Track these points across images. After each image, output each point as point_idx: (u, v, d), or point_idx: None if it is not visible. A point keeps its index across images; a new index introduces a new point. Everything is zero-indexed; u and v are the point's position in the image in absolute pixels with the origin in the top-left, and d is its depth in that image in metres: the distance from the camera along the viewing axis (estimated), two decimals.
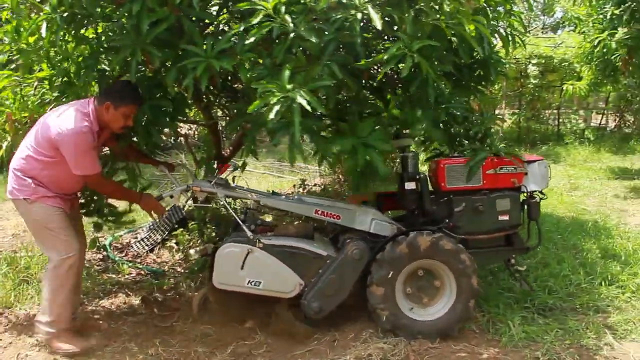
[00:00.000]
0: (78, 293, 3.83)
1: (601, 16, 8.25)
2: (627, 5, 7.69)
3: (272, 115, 2.79)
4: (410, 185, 3.75)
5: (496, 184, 3.76)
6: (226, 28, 3.72)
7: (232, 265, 3.47)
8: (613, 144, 12.57)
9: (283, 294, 3.55)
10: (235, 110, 4.09)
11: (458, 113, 3.94)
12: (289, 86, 2.86)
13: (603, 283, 4.40)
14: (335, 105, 3.48)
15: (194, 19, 3.32)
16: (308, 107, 2.78)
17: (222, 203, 3.74)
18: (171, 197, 3.68)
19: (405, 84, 3.52)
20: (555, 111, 15.21)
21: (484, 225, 3.75)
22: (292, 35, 2.97)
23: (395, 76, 3.89)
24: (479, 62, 4.00)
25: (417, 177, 3.78)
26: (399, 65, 3.03)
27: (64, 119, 3.24)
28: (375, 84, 4.03)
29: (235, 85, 4.13)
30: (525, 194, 3.87)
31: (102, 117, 3.35)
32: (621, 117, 15.18)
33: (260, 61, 3.20)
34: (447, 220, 3.70)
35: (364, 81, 3.79)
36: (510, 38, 3.84)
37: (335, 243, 3.88)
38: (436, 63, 3.36)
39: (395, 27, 3.36)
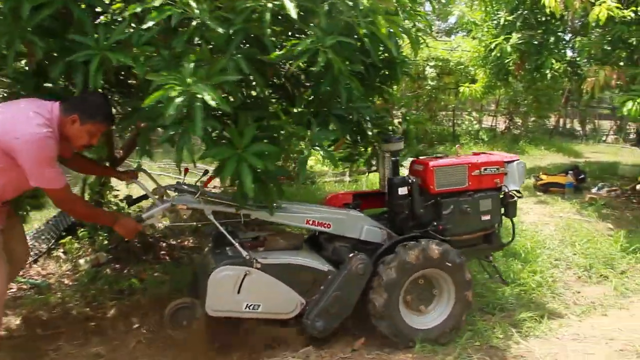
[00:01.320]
0: None
1: (495, 22, 8.59)
2: (519, 12, 8.06)
3: (171, 111, 2.49)
4: (402, 190, 3.67)
5: (480, 184, 3.83)
6: (120, 19, 3.37)
7: (228, 290, 3.18)
8: (505, 145, 13.22)
9: (283, 315, 3.36)
10: (129, 108, 3.72)
11: (365, 113, 3.84)
12: (190, 80, 2.58)
13: None
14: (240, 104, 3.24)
15: (83, 6, 2.95)
16: (212, 103, 2.53)
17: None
18: (151, 217, 3.27)
19: (315, 83, 3.35)
20: (450, 112, 15.79)
21: (469, 225, 3.83)
22: (194, 23, 2.70)
23: (303, 76, 3.73)
24: (384, 62, 3.93)
25: (410, 181, 3.71)
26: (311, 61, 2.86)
27: (21, 121, 2.70)
28: (281, 81, 3.84)
29: (130, 81, 3.78)
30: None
31: (64, 129, 2.86)
32: (510, 119, 16.04)
33: (158, 53, 2.90)
34: (434, 223, 3.69)
35: (268, 79, 3.59)
36: (417, 39, 3.80)
37: (317, 248, 3.77)
38: (347, 62, 3.23)
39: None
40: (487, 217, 3.86)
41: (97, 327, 3.66)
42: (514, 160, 4.01)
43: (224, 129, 3.10)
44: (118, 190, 5.31)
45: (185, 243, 5.58)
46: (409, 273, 3.41)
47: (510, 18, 8.10)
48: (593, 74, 6.45)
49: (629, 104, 5.88)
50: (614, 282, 4.93)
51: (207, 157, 2.96)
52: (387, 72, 4.06)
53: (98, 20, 3.15)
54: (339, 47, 2.93)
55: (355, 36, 3.16)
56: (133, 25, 2.87)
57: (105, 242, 5.08)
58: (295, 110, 3.59)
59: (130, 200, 3.80)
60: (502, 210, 4.01)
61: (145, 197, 3.63)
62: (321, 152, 3.24)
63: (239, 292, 3.19)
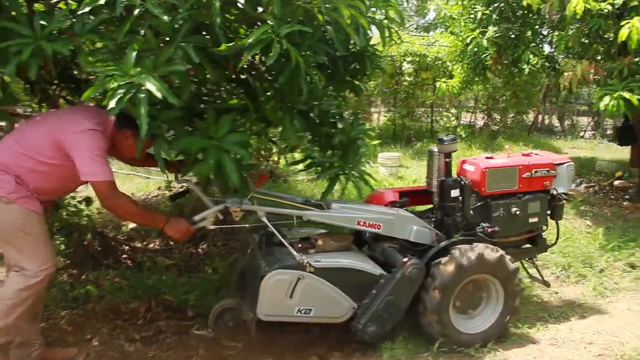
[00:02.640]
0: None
1: (472, 15, 8.43)
2: (495, 5, 7.91)
3: (112, 104, 2.31)
4: (455, 192, 3.63)
5: (530, 186, 3.83)
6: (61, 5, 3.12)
7: (280, 295, 3.08)
8: (483, 141, 13.10)
9: (335, 319, 3.27)
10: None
11: (332, 111, 3.60)
12: (134, 70, 2.38)
13: None
14: (194, 98, 3.01)
15: None
16: (158, 94, 2.33)
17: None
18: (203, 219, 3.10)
19: (274, 75, 3.12)
20: (428, 109, 15.64)
21: (516, 227, 3.82)
22: (138, 10, 2.47)
23: (264, 66, 3.50)
24: (354, 55, 3.71)
25: (462, 182, 3.67)
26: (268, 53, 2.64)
27: (74, 119, 2.89)
28: (242, 76, 3.61)
29: (77, 74, 3.53)
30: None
31: (116, 139, 3.04)
32: (489, 115, 15.94)
33: (102, 44, 2.67)
34: (483, 225, 3.65)
35: (227, 72, 3.35)
36: (387, 31, 3.58)
37: (360, 246, 3.76)
38: (308, 53, 3.01)
39: (262, 10, 2.95)
40: (535, 220, 3.84)
41: (47, 338, 3.39)
42: (564, 163, 3.94)
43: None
44: (76, 191, 5.02)
45: (151, 246, 5.33)
46: (463, 277, 3.35)
47: (487, 11, 7.95)
48: (570, 68, 6.32)
49: (606, 99, 5.77)
50: (592, 281, 4.81)
51: (179, 148, 2.79)
52: (357, 66, 3.85)
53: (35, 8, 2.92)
54: (298, 36, 2.71)
55: (319, 25, 2.94)
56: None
57: (63, 246, 4.81)
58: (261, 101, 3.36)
59: (172, 195, 3.75)
60: (549, 212, 3.96)
61: (187, 191, 3.56)
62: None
63: (291, 296, 3.07)
